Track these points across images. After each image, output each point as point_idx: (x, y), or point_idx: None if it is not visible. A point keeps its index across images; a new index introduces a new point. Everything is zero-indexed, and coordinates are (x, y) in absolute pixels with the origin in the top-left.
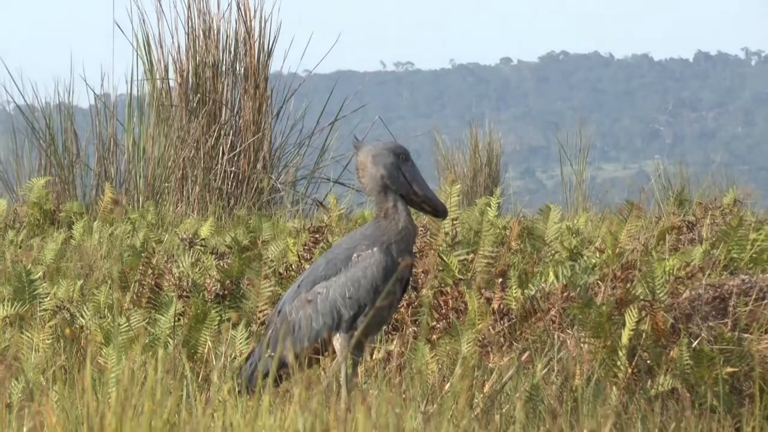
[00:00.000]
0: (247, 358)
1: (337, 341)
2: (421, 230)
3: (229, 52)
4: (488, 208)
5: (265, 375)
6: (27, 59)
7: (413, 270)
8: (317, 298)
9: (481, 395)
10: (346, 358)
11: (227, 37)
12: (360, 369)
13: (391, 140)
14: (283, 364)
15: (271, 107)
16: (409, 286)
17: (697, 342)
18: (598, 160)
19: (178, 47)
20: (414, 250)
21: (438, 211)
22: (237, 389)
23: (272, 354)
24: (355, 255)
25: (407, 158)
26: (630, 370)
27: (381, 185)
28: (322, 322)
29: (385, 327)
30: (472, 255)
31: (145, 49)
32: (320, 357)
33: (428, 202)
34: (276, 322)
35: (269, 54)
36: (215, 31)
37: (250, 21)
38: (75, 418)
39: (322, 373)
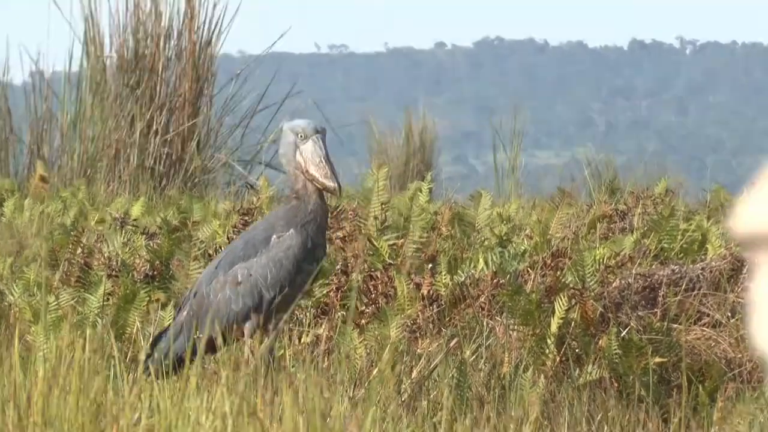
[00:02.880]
0: (155, 341)
1: (249, 321)
2: (351, 214)
3: (170, 29)
4: (419, 193)
5: (192, 355)
6: None
7: (326, 252)
8: (239, 279)
9: (409, 381)
10: (255, 336)
11: (169, 14)
12: (288, 352)
13: (302, 120)
14: (194, 349)
15: (209, 89)
16: (337, 270)
17: (626, 331)
18: (531, 147)
19: (118, 23)
20: (342, 235)
21: (327, 188)
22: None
23: (200, 335)
24: (274, 236)
25: (305, 137)
26: (558, 359)
27: (285, 163)
28: (242, 303)
29: (301, 308)
30: (402, 240)
31: (85, 25)
32: (228, 337)
33: (316, 180)
34: (192, 303)
35: (213, 34)
36: (158, 8)
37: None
38: (1, 396)
39: (250, 354)
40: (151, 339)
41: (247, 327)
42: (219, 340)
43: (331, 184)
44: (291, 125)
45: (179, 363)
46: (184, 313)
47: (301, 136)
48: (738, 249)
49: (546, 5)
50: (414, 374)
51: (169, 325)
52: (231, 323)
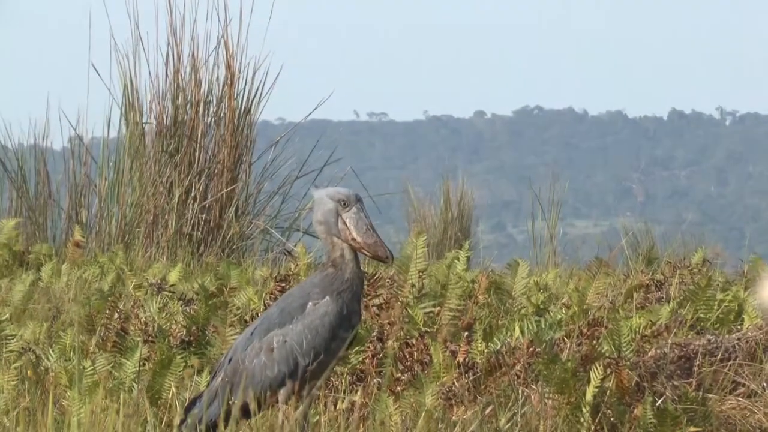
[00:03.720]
0: (189, 406)
1: (284, 388)
2: (388, 281)
3: (210, 96)
4: (457, 261)
5: (226, 421)
6: (1, 98)
7: (362, 319)
8: (274, 346)
9: None
10: (289, 402)
11: (209, 81)
12: (323, 419)
13: (341, 187)
14: (228, 414)
15: (248, 156)
16: (373, 337)
17: (661, 401)
18: (569, 216)
19: (158, 89)
20: (379, 302)
21: (378, 257)
22: None
23: (234, 401)
24: (310, 303)
25: (348, 204)
26: (594, 427)
27: (323, 231)
28: (277, 370)
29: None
30: (438, 308)
31: (124, 90)
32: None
33: (367, 248)
34: (227, 369)
35: (252, 102)
36: (197, 75)
37: (234, 65)
38: None
39: (284, 420)
40: (186, 404)
41: (282, 393)
42: (253, 406)
43: (382, 253)
44: (329, 192)
45: (213, 429)
46: (219, 378)
47: (343, 204)
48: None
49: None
50: None
51: (204, 390)
52: (266, 389)
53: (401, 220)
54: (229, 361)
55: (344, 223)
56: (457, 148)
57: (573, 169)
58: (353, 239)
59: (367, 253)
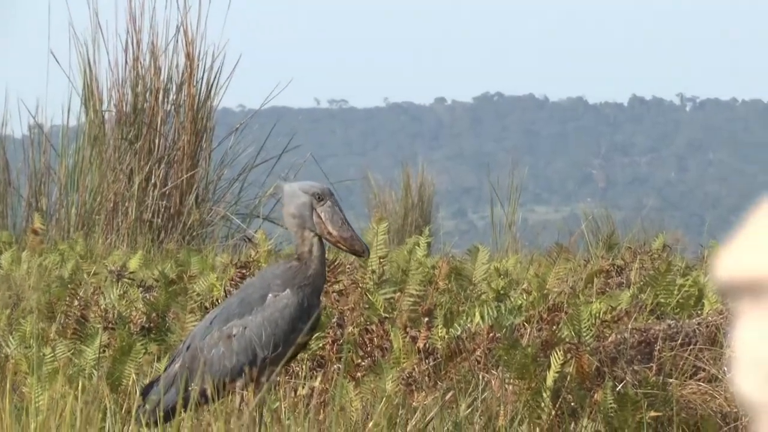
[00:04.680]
0: (145, 390)
1: (242, 377)
2: (348, 267)
3: (169, 84)
4: (417, 247)
5: (183, 407)
6: None
7: (320, 310)
8: (233, 337)
9: None
10: (248, 390)
11: (168, 69)
12: (283, 405)
13: (312, 181)
14: (186, 400)
15: (208, 143)
16: (333, 323)
17: (621, 386)
18: (530, 203)
19: (117, 77)
20: (341, 288)
21: (355, 251)
22: (140, 421)
23: (193, 387)
24: (270, 295)
25: (322, 198)
26: (554, 412)
27: (294, 224)
28: (236, 360)
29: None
30: (398, 294)
31: (83, 78)
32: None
33: (344, 242)
34: (185, 356)
35: (212, 89)
36: (156, 62)
37: (194, 53)
38: None
39: (244, 406)
40: (141, 388)
41: (239, 383)
42: (211, 393)
43: (359, 247)
44: (303, 186)
45: (172, 413)
46: (177, 365)
47: (318, 197)
48: (722, 297)
49: (546, 61)
50: (409, 427)
51: (159, 375)
52: (224, 377)
53: (361, 207)
54: (188, 348)
55: (319, 217)
56: (417, 134)
57: (534, 156)
58: (329, 233)
59: (343, 247)
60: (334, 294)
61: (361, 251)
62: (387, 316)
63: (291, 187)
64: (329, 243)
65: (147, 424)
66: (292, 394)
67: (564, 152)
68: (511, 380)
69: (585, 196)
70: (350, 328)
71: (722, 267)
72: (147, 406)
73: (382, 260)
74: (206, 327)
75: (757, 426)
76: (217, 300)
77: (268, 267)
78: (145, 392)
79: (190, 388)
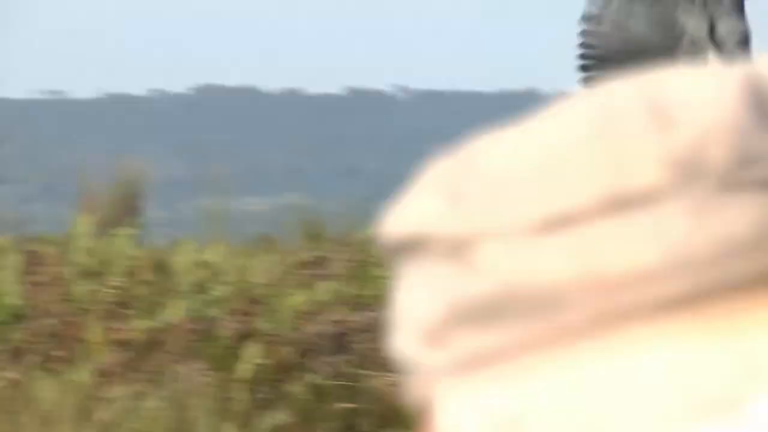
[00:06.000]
0: None
1: None
2: (52, 260)
3: None
4: (122, 238)
5: None
6: None
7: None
8: None
9: (95, 424)
10: None
11: None
12: None
13: None
14: None
15: None
16: (30, 314)
17: (316, 377)
18: (240, 194)
19: None
20: (39, 280)
21: None
22: None
23: None
24: None
25: None
26: (251, 404)
27: None
28: None
29: None
30: (99, 285)
31: None
32: None
33: None
34: None
35: None
36: None
37: None
38: None
39: None
40: None
41: None
42: None
43: None
44: None
45: None
46: None
47: None
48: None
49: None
50: (102, 418)
51: None
52: None
53: (72, 198)
54: None
55: None
56: (132, 125)
57: (246, 147)
58: None
59: None
60: (33, 285)
61: None
62: (86, 308)
63: None
64: None
65: None
66: None
67: (277, 143)
68: (207, 372)
69: (294, 188)
70: (48, 320)
71: (384, 227)
72: None
73: (86, 252)
74: None
75: (410, 385)
76: None
77: None
78: None
79: None
